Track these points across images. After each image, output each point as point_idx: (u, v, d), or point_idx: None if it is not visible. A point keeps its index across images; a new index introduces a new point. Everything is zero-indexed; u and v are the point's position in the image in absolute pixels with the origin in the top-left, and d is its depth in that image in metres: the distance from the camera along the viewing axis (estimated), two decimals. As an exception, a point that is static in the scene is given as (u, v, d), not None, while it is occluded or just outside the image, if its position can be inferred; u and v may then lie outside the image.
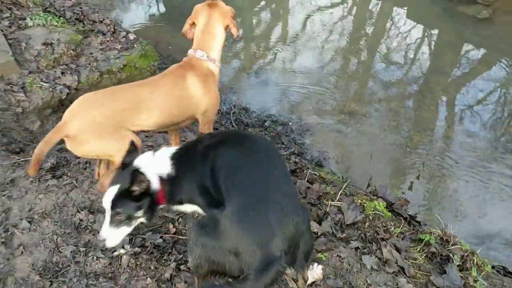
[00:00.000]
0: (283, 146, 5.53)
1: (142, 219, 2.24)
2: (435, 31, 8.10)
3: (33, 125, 4.03)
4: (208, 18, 2.99)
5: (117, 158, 2.47)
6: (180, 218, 2.75)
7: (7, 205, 2.89)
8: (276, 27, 8.07)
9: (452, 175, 5.15)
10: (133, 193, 2.12)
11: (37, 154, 2.46)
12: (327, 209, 2.79)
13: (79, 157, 3.34)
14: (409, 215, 3.07)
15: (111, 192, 2.14)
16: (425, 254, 2.66)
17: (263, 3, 8.59)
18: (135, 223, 2.24)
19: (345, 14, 8.46)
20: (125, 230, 2.21)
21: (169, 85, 2.79)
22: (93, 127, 2.50)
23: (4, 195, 2.96)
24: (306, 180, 3.04)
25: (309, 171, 3.14)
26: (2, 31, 4.38)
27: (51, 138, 2.51)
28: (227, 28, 3.02)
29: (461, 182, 5.04)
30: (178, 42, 7.21)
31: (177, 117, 2.84)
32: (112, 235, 2.18)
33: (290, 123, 5.94)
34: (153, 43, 6.88)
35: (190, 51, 2.97)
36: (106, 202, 2.14)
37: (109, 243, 2.21)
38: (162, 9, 8.57)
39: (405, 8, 8.64)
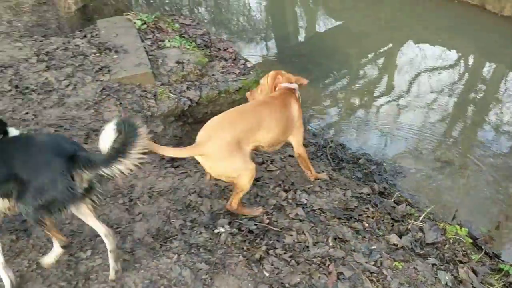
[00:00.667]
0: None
1: None
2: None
3: (157, 128, 4.67)
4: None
5: (243, 179, 2.90)
6: (274, 212, 3.10)
7: (133, 182, 3.47)
8: (382, 80, 8.31)
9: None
10: None
11: (170, 153, 2.98)
12: (409, 227, 2.97)
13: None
14: (493, 252, 3.11)
15: None
16: (502, 283, 2.70)
17: (370, 56, 8.93)
18: None
19: (456, 77, 8.41)
20: None
21: (281, 107, 3.23)
22: (226, 147, 2.90)
23: (131, 175, 3.55)
24: (393, 200, 3.25)
25: (397, 193, 3.34)
26: (145, 48, 5.21)
27: (188, 152, 3.00)
28: None
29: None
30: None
31: (283, 136, 3.24)
32: None
33: (384, 164, 6.09)
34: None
35: (284, 84, 3.46)
36: None
37: None
38: (277, 50, 9.28)
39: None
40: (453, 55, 9.01)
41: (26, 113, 4.22)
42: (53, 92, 4.51)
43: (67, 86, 4.60)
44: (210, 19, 10.89)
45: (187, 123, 5.04)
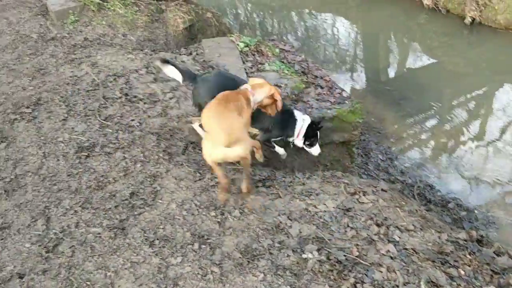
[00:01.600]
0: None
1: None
2: None
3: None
4: None
5: None
6: (364, 246, 3.04)
7: (226, 196, 3.58)
8: (474, 123, 7.92)
9: None
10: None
11: None
12: (510, 281, 2.78)
13: (285, 174, 3.95)
14: None
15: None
16: None
17: (462, 99, 8.57)
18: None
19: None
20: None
21: None
22: None
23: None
24: (493, 251, 3.07)
25: (497, 243, 3.14)
26: (245, 70, 5.41)
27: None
28: None
29: None
30: (376, 113, 7.68)
31: None
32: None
33: (475, 211, 5.77)
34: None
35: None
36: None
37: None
38: (370, 83, 9.19)
39: None
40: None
41: (132, 120, 4.52)
42: (157, 103, 4.80)
43: (171, 98, 4.87)
44: (302, 48, 11.06)
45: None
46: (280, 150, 4.72)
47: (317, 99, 5.23)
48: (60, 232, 3.31)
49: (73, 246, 3.20)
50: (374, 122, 7.46)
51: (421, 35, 11.13)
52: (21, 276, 3.03)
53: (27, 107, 4.70)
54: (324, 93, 5.32)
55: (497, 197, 6.03)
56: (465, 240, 3.15)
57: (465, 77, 9.26)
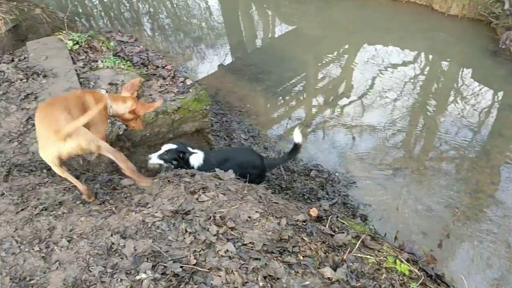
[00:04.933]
0: (327, 196, 5.56)
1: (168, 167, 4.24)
2: (500, 94, 7.88)
3: (91, 156, 4.38)
4: None
5: None
6: (202, 251, 2.88)
7: (52, 223, 3.19)
8: (340, 82, 8.22)
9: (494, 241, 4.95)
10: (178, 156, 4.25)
11: None
12: (345, 257, 2.81)
13: (122, 187, 3.64)
14: (435, 273, 2.98)
15: (172, 146, 4.29)
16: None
17: (327, 59, 8.84)
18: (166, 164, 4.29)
19: (413, 74, 8.37)
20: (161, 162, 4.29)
21: None
22: None
23: (51, 215, 3.28)
24: (328, 226, 3.09)
25: (331, 217, 3.18)
26: (76, 71, 4.92)
27: None
28: None
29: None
30: (236, 91, 7.60)
31: None
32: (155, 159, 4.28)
33: (336, 174, 5.98)
34: (214, 90, 7.31)
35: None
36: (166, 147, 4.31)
37: (151, 161, 4.31)
38: (230, 60, 9.08)
39: (470, 69, 8.51)
40: (404, 55, 9.02)
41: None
42: (-28, 126, 4.18)
43: (-14, 117, 4.27)
44: (162, 26, 10.63)
45: (125, 147, 4.78)
46: None
47: (159, 91, 4.94)
48: None
49: None
50: (235, 101, 7.39)
51: (276, 4, 11.25)
52: None
53: None
54: (167, 84, 5.04)
55: (355, 156, 6.32)
56: (304, 221, 3.14)
57: (322, 40, 9.56)
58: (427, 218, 5.22)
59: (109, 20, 10.97)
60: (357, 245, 2.90)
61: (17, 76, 4.80)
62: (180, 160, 4.25)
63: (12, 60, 5.16)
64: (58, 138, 2.97)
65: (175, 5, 11.90)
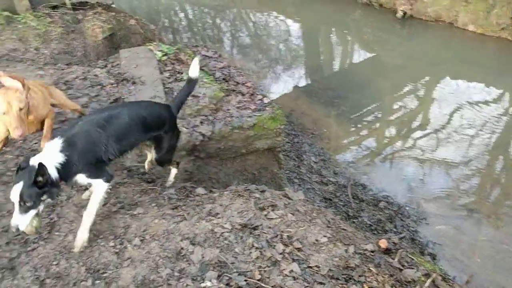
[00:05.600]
0: (395, 229, 5.40)
1: (48, 200, 2.81)
2: None
3: (167, 163, 4.57)
4: None
5: None
6: (267, 267, 2.90)
7: (127, 222, 3.36)
8: (416, 115, 7.99)
9: None
10: (38, 184, 2.66)
11: None
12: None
13: (195, 195, 3.76)
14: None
15: (17, 188, 2.64)
16: None
17: (406, 89, 8.65)
18: (42, 204, 2.78)
19: (496, 113, 7.91)
20: (33, 212, 2.73)
21: None
22: None
23: (127, 214, 3.45)
24: (397, 260, 3.00)
25: (400, 251, 3.08)
26: (162, 80, 5.18)
27: None
28: None
29: None
30: (310, 113, 7.62)
31: None
32: (23, 219, 2.69)
33: (407, 208, 5.79)
34: (288, 110, 7.37)
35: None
36: (14, 196, 2.65)
37: (22, 227, 2.70)
38: (306, 82, 9.14)
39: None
40: (488, 92, 8.60)
41: (36, 143, 4.22)
42: (65, 122, 4.51)
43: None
44: (242, 44, 10.92)
45: (199, 157, 4.93)
46: None
47: (237, 107, 5.07)
48: None
49: (-48, 293, 2.91)
50: (308, 123, 7.41)
51: (357, 31, 11.22)
52: None
53: None
54: (245, 100, 5.17)
55: (425, 193, 6.08)
56: (372, 252, 3.06)
57: (402, 70, 9.38)
58: (504, 268, 4.88)
59: (192, 35, 11.47)
60: (427, 284, 2.79)
61: (109, 81, 5.14)
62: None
63: (106, 66, 5.54)
64: None
65: (256, 25, 12.21)
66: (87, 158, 3.00)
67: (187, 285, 2.82)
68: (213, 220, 3.35)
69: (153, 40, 7.07)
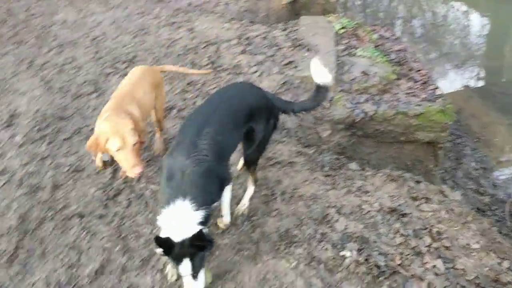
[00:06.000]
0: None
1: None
2: None
3: (324, 132, 4.66)
4: None
5: None
6: (410, 256, 2.84)
7: (280, 177, 3.55)
8: None
9: None
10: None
11: None
12: None
13: (348, 169, 3.79)
14: None
15: (186, 266, 2.27)
16: None
17: None
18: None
19: None
20: (203, 272, 2.39)
21: None
22: None
23: (280, 171, 3.64)
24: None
25: None
26: (336, 52, 5.22)
27: None
28: None
29: None
30: (480, 116, 7.02)
31: None
32: (199, 284, 2.37)
33: None
34: (456, 108, 6.87)
35: None
36: (185, 272, 2.30)
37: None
38: (481, 83, 8.39)
39: None
40: None
41: (214, 88, 4.63)
42: (240, 75, 4.85)
43: (254, 72, 4.89)
44: (413, 32, 10.39)
45: (356, 134, 4.92)
46: None
47: (407, 93, 4.89)
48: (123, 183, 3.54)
49: (129, 198, 3.41)
50: (475, 126, 6.83)
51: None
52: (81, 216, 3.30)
53: (123, 63, 5.04)
54: (416, 88, 4.96)
55: None
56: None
57: None
58: None
59: (364, 15, 11.19)
60: None
61: (286, 44, 5.35)
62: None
63: (285, 29, 5.76)
64: None
65: (434, 15, 11.42)
66: (218, 189, 2.70)
67: (326, 248, 2.91)
68: (362, 197, 3.36)
69: (332, 13, 7.10)
